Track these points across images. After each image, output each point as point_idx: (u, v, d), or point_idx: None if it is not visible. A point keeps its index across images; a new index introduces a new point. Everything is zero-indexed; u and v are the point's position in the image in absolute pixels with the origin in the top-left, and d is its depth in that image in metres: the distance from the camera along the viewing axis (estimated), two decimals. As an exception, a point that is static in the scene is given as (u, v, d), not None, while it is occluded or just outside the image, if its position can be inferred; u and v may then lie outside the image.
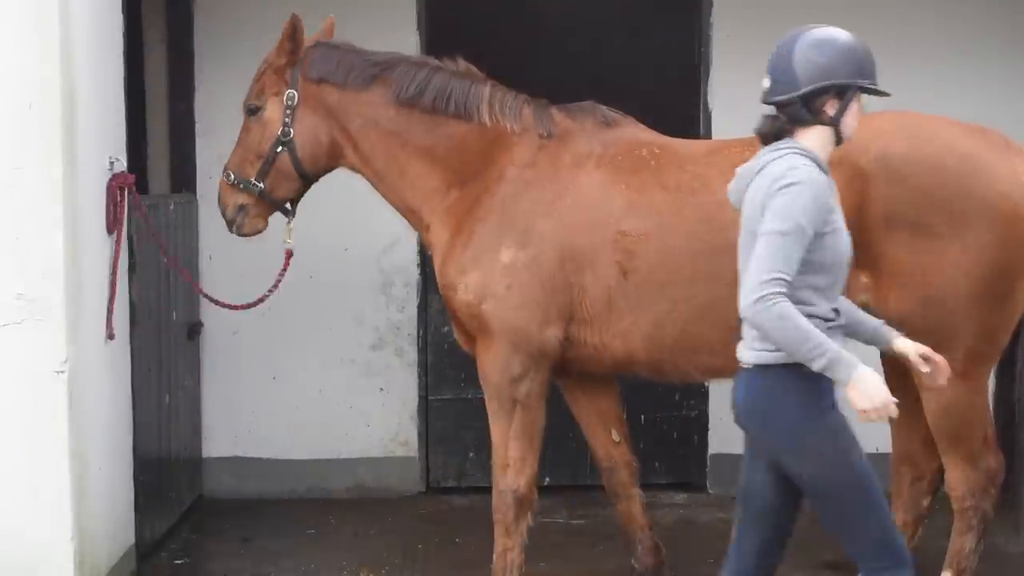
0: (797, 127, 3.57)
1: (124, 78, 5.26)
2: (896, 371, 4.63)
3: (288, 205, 4.92)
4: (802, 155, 3.49)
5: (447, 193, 4.70)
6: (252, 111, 4.80)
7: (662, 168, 4.56)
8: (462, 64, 4.83)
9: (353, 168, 4.87)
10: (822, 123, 3.55)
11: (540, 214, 4.53)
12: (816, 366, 3.35)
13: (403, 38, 6.53)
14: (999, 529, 4.62)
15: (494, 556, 4.67)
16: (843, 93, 3.54)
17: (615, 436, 4.95)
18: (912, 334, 4.33)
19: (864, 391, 3.39)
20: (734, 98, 6.57)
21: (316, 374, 6.64)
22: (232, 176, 4.82)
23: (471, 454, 6.67)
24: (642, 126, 4.80)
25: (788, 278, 3.35)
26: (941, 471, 4.60)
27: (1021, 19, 6.66)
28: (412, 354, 6.74)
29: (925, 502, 4.79)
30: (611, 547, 5.20)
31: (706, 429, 6.76)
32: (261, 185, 4.77)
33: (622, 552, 5.09)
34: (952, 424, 4.41)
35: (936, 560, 4.64)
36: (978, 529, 4.48)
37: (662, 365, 4.59)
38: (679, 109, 6.84)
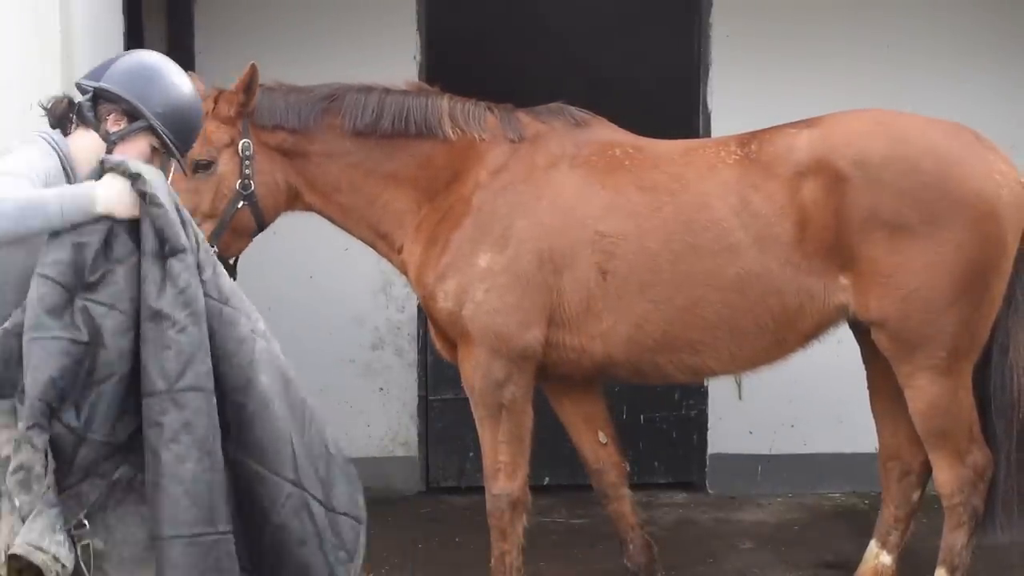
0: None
1: (124, 78, 5.26)
2: (879, 369, 4.67)
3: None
4: None
5: (418, 212, 4.63)
6: (202, 167, 4.39)
7: (637, 168, 4.54)
8: (410, 83, 4.78)
9: (309, 209, 4.73)
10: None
11: (516, 217, 4.49)
12: (60, 221, 3.13)
13: (403, 38, 6.54)
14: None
15: (492, 560, 4.67)
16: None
17: (602, 438, 4.93)
18: (894, 334, 4.38)
19: (114, 194, 3.21)
20: (734, 98, 6.58)
21: (316, 374, 6.61)
22: None
23: (471, 454, 6.65)
24: (613, 125, 4.76)
25: None
26: (929, 465, 4.62)
27: (1009, 23, 6.68)
28: (412, 354, 6.75)
29: (915, 496, 4.81)
30: (610, 546, 5.20)
31: (705, 429, 6.77)
32: (215, 249, 3.99)
33: (621, 551, 5.09)
34: (937, 421, 4.43)
35: (930, 558, 4.66)
36: (969, 525, 4.50)
37: (642, 366, 4.57)
38: (678, 109, 6.86)
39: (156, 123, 3.42)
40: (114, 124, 3.43)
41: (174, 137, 3.46)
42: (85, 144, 3.44)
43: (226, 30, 6.47)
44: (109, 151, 3.42)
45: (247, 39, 6.36)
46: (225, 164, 4.45)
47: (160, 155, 3.50)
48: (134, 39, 5.95)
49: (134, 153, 3.42)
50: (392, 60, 6.34)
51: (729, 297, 4.40)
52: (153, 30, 6.48)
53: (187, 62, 6.51)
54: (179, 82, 3.51)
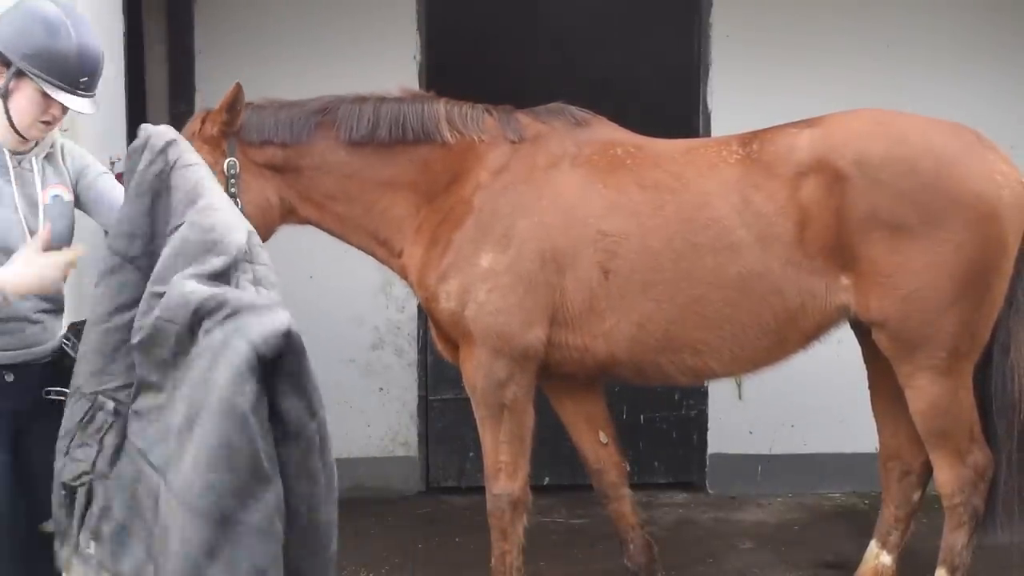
0: None
1: (124, 78, 5.26)
2: (880, 369, 4.67)
3: None
4: None
5: (417, 215, 4.62)
6: None
7: (639, 167, 4.53)
8: (405, 89, 4.76)
9: (305, 222, 4.71)
10: None
11: (518, 217, 4.48)
12: None
13: (403, 38, 6.53)
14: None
15: (492, 560, 4.67)
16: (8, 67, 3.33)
17: (602, 438, 4.93)
18: (894, 334, 4.38)
19: (21, 271, 3.21)
20: (734, 98, 6.58)
21: (316, 374, 6.62)
22: None
23: (471, 454, 6.66)
24: (614, 124, 4.75)
25: None
26: (929, 465, 4.62)
27: (1009, 20, 6.69)
28: (412, 354, 6.75)
29: (915, 496, 4.82)
30: (610, 546, 5.20)
31: (705, 429, 6.77)
32: None
33: (621, 551, 5.09)
34: (938, 421, 4.43)
35: (930, 559, 4.66)
36: (969, 525, 4.51)
37: (644, 367, 4.56)
38: (679, 109, 6.86)
39: (22, 64, 3.29)
40: None
41: (56, 78, 3.32)
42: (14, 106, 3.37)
43: (226, 30, 6.47)
44: (5, 105, 3.34)
45: (247, 39, 6.36)
46: None
47: (57, 105, 3.37)
48: (134, 39, 5.96)
49: (25, 103, 3.34)
50: (392, 60, 6.35)
51: (731, 296, 4.40)
52: (153, 30, 6.49)
53: (187, 62, 6.53)
54: (55, 22, 3.33)
